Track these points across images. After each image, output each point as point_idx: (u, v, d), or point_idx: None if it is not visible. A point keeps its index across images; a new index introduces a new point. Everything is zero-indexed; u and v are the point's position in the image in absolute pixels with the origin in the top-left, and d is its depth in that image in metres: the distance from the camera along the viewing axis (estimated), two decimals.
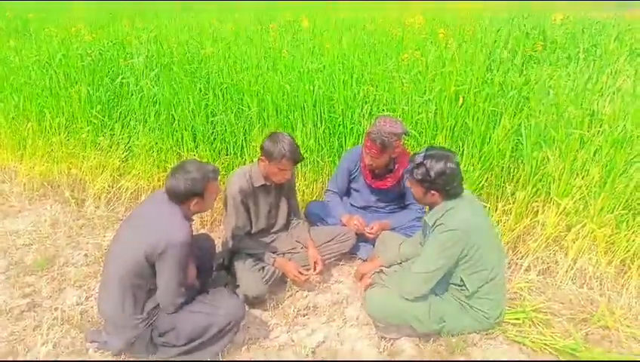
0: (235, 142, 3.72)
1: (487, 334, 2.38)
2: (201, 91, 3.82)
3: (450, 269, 2.25)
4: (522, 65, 3.87)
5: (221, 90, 3.76)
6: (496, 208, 3.06)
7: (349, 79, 3.67)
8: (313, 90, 3.43)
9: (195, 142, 3.83)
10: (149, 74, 3.90)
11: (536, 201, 2.92)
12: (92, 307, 2.66)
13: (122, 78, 4.09)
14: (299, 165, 3.50)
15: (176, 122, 3.78)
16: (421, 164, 2.22)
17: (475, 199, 2.45)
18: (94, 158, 4.07)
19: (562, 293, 2.75)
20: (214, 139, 3.81)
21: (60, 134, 4.17)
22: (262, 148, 2.66)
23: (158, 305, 2.17)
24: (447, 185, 2.19)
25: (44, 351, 2.32)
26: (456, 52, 3.53)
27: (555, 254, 2.93)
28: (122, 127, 4.05)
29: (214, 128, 3.76)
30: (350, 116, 3.52)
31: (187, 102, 3.73)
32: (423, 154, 2.24)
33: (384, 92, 3.57)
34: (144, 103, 3.92)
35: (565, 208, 2.83)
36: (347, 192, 3.35)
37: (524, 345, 2.33)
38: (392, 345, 2.36)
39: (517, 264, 2.95)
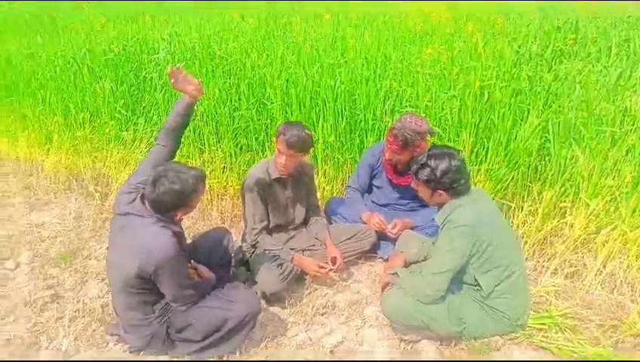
0: (257, 138, 3.70)
1: (511, 339, 2.30)
2: (225, 84, 3.81)
3: (462, 268, 2.19)
4: (552, 60, 3.73)
5: (244, 84, 3.74)
6: (522, 208, 2.96)
7: (372, 74, 3.61)
8: (334, 86, 3.38)
9: (217, 136, 3.82)
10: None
11: (564, 202, 2.81)
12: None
13: (146, 73, 4.12)
14: (318, 160, 3.49)
15: (198, 117, 3.79)
16: (425, 164, 2.18)
17: (485, 195, 2.41)
18: (118, 153, 4.12)
19: (591, 298, 2.64)
20: (237, 134, 3.80)
21: (84, 129, 4.23)
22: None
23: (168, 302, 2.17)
24: (453, 183, 2.15)
25: (66, 342, 2.35)
26: (483, 46, 3.43)
27: (583, 257, 2.81)
28: (145, 122, 4.08)
29: (237, 123, 3.75)
30: (372, 112, 3.46)
31: (210, 97, 3.72)
32: (426, 154, 2.20)
33: (407, 87, 3.50)
34: (167, 98, 3.94)
35: (595, 209, 2.72)
36: (369, 189, 3.30)
37: (550, 351, 2.25)
38: (411, 347, 2.31)
39: (543, 266, 2.86)
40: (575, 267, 2.81)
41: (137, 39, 4.64)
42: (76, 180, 4.24)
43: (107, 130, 4.12)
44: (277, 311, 2.61)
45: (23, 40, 6.34)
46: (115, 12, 8.83)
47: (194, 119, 3.75)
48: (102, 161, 4.17)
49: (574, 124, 2.70)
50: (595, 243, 2.76)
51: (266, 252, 2.76)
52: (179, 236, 2.10)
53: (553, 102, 2.84)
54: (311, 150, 2.76)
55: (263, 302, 2.63)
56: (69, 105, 4.25)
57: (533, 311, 2.43)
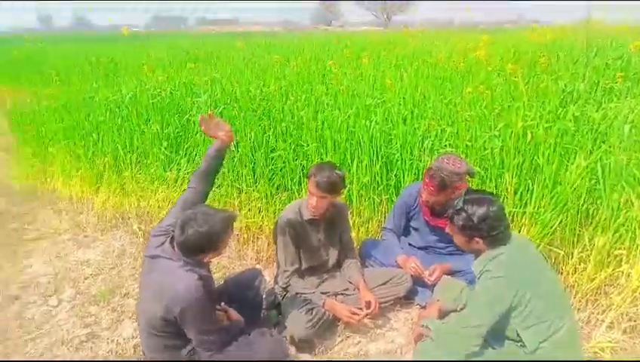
0: (292, 178, 3.72)
1: None
2: (261, 127, 3.89)
3: (504, 321, 2.02)
4: (602, 98, 3.55)
5: (281, 126, 3.80)
6: (572, 255, 2.75)
7: (409, 114, 3.57)
8: (370, 126, 3.36)
9: (254, 177, 3.88)
10: (213, 111, 4.05)
11: (620, 249, 2.59)
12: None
13: (189, 116, 4.28)
14: (353, 201, 3.43)
15: (237, 158, 3.87)
16: (461, 209, 2.07)
17: (528, 242, 2.25)
18: (161, 192, 4.24)
19: None
20: (273, 174, 3.84)
21: (131, 169, 4.41)
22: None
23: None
24: (491, 231, 2.02)
25: None
26: (525, 84, 3.31)
27: None
28: (188, 162, 4.21)
29: (273, 164, 3.80)
30: (409, 151, 3.40)
31: (248, 139, 3.80)
32: (463, 199, 2.09)
33: (447, 126, 3.42)
34: (207, 139, 4.05)
35: None
36: (405, 231, 3.20)
37: None
38: None
39: (598, 319, 2.61)
40: (634, 321, 2.56)
41: (184, 83, 4.87)
42: (122, 218, 4.39)
43: (152, 170, 4.27)
44: (305, 358, 2.52)
45: (85, 84, 6.84)
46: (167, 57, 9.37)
47: (231, 161, 3.83)
48: (146, 200, 4.30)
49: (626, 165, 2.51)
50: None
51: (298, 295, 2.70)
52: (206, 280, 2.09)
53: (602, 143, 2.66)
54: (343, 191, 2.72)
55: (292, 347, 2.56)
56: (118, 146, 4.45)
57: None
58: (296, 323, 2.52)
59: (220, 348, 2.12)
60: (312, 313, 2.59)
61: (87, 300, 3.16)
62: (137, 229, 4.11)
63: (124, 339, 2.72)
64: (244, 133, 3.81)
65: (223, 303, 2.50)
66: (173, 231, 2.10)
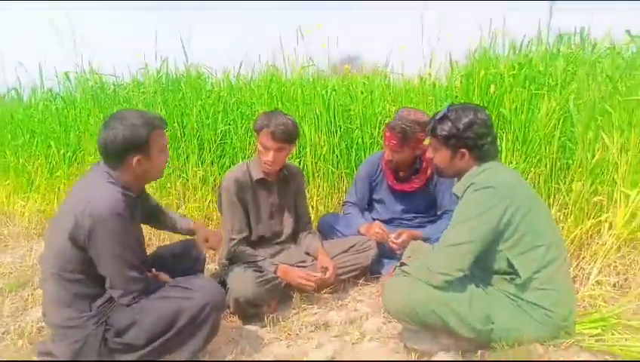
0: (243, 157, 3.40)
1: (554, 344, 1.74)
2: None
3: (492, 249, 1.71)
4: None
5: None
6: (550, 208, 2.50)
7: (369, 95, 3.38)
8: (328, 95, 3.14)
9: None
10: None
11: (599, 195, 2.37)
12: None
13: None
14: (310, 174, 3.12)
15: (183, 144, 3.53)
16: (445, 117, 1.80)
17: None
18: None
19: None
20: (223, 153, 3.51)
21: (65, 167, 3.97)
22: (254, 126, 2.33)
23: (111, 300, 1.69)
24: (479, 139, 1.75)
25: None
26: None
27: (632, 263, 2.31)
28: None
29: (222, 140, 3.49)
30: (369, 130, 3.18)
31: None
32: (446, 108, 1.84)
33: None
34: None
35: (637, 202, 2.27)
36: (369, 206, 2.89)
37: (610, 354, 1.68)
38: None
39: (584, 275, 2.32)
40: (623, 275, 2.29)
41: None
42: (49, 224, 3.87)
43: (87, 168, 3.83)
44: (253, 329, 2.08)
45: None
46: None
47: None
48: None
49: (597, 103, 2.35)
50: None
51: (245, 266, 2.29)
52: (129, 199, 1.67)
53: (572, 81, 2.50)
54: (298, 140, 2.43)
55: (235, 319, 2.12)
56: (51, 143, 4.02)
57: (578, 317, 1.88)
58: (243, 281, 2.12)
59: (142, 294, 1.68)
60: (261, 272, 2.18)
61: None
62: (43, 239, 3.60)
63: (26, 323, 2.19)
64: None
65: (153, 269, 2.05)
66: None
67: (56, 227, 1.64)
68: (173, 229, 2.18)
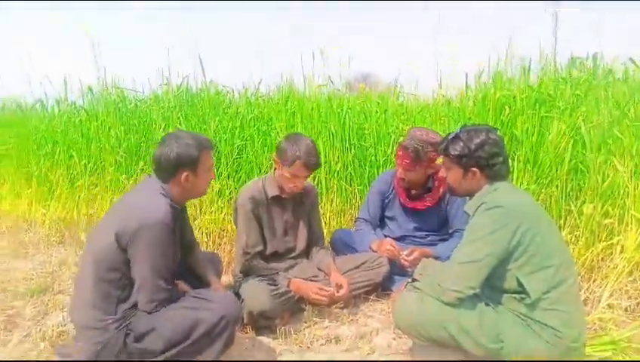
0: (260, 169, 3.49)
1: None
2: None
3: (502, 268, 1.74)
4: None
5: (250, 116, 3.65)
6: (561, 229, 2.52)
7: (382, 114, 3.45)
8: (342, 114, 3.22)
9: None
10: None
11: (610, 218, 2.39)
12: (74, 328, 2.25)
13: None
14: (323, 190, 3.18)
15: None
16: (457, 137, 1.85)
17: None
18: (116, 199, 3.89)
19: None
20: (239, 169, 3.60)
21: (86, 177, 4.08)
22: (277, 147, 2.38)
23: (136, 305, 1.76)
24: (490, 159, 1.79)
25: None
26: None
27: None
28: (145, 164, 3.90)
29: (238, 155, 3.58)
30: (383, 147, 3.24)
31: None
32: (459, 129, 1.90)
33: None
34: None
35: None
36: (381, 222, 2.94)
37: None
38: None
39: (595, 298, 2.34)
40: (636, 299, 2.30)
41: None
42: (70, 234, 3.98)
43: (108, 178, 3.95)
44: (266, 341, 2.13)
45: None
46: None
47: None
48: (99, 210, 3.93)
49: (606, 127, 2.39)
50: None
51: (259, 279, 2.35)
52: (176, 212, 1.81)
53: (581, 105, 2.55)
54: None
55: (249, 331, 2.17)
56: (73, 154, 4.15)
57: (588, 339, 1.90)
58: (258, 293, 2.17)
59: (163, 304, 1.75)
60: (275, 286, 2.24)
61: (11, 297, 2.70)
62: (85, 240, 3.70)
63: (49, 327, 2.27)
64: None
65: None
66: None
67: (104, 227, 1.76)
68: (195, 269, 2.21)
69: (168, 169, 1.81)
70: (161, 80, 4.15)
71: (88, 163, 4.14)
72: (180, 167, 1.81)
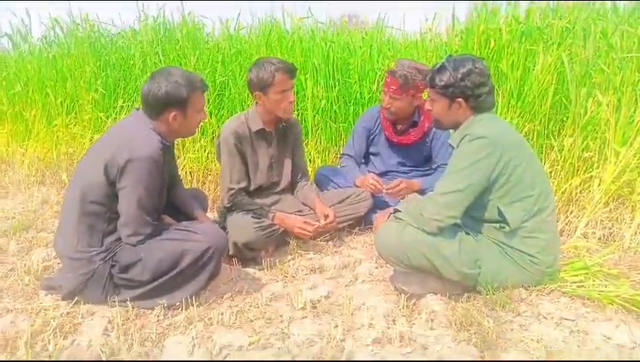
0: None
1: (538, 289, 1.84)
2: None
3: (483, 198, 1.77)
4: None
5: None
6: (543, 163, 2.56)
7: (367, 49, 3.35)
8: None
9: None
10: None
11: (590, 152, 2.42)
12: (58, 263, 2.26)
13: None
14: (309, 127, 3.15)
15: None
16: (443, 67, 1.82)
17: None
18: (96, 140, 3.80)
19: (630, 259, 2.18)
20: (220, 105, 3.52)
21: (64, 116, 3.96)
22: (250, 82, 2.31)
23: (120, 238, 1.76)
24: (476, 89, 1.77)
25: None
26: None
27: (618, 218, 2.39)
28: (124, 102, 3.79)
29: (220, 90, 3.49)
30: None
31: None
32: (444, 59, 1.86)
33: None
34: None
35: (626, 158, 2.32)
36: (365, 159, 2.94)
37: (588, 298, 1.78)
38: (413, 303, 1.83)
39: (571, 229, 2.41)
40: (609, 229, 2.38)
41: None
42: (50, 173, 3.91)
43: (86, 117, 3.83)
44: (251, 271, 2.17)
45: None
46: None
47: None
48: (78, 149, 3.85)
49: (590, 60, 2.36)
50: (631, 199, 2.34)
51: (243, 213, 2.36)
52: (165, 148, 1.77)
53: (567, 38, 2.51)
54: None
55: (234, 263, 2.21)
56: (48, 92, 3.99)
57: (563, 265, 1.98)
58: (242, 226, 2.20)
59: (147, 238, 1.75)
60: (259, 219, 2.26)
61: None
62: (66, 179, 3.65)
63: (33, 262, 2.27)
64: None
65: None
66: None
67: (91, 159, 1.75)
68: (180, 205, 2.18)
69: (156, 107, 1.76)
70: (137, 13, 3.94)
71: (64, 101, 4.00)
72: (167, 105, 1.76)
